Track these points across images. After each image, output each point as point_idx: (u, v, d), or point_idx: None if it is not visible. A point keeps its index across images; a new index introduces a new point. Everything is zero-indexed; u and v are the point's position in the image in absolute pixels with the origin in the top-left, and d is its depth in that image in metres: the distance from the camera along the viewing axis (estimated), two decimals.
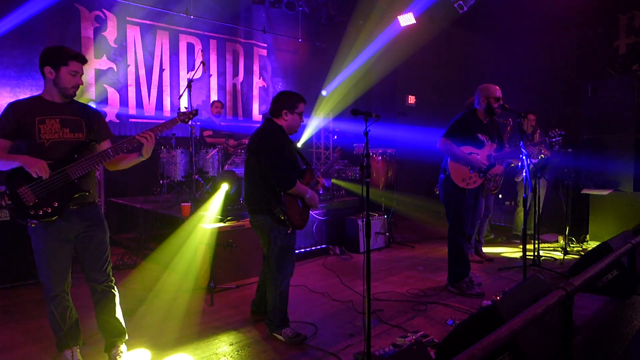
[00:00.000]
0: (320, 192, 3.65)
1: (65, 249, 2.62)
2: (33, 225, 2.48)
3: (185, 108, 3.15)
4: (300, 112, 3.25)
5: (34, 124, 2.49)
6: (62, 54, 2.55)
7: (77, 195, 2.55)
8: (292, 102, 3.21)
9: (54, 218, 2.48)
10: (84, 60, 2.61)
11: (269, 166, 3.06)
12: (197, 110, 3.00)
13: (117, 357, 2.81)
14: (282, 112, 3.20)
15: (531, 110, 5.92)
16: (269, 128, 3.20)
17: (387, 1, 8.44)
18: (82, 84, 2.65)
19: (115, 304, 2.85)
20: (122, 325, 2.88)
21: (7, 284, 4.24)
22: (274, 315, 3.20)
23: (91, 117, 2.70)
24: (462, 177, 4.11)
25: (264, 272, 3.44)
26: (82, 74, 2.62)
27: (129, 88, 7.11)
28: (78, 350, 2.77)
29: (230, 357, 2.96)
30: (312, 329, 3.36)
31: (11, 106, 2.52)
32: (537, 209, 5.07)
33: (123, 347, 2.87)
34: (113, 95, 6.94)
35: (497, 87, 4.10)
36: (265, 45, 8.88)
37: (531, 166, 5.16)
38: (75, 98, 2.69)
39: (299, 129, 3.38)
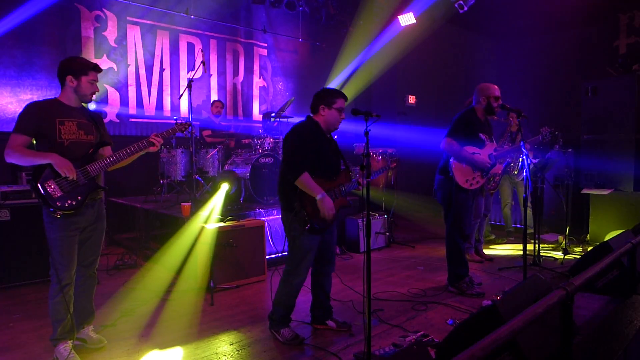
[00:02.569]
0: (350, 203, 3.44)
1: (77, 239, 2.85)
2: (59, 216, 2.71)
3: (175, 119, 3.52)
4: (338, 108, 3.17)
5: (54, 124, 2.75)
6: (82, 64, 2.83)
7: (97, 190, 2.87)
8: (330, 98, 3.16)
9: (75, 210, 2.74)
10: (99, 70, 2.92)
11: (285, 155, 3.07)
12: (189, 123, 3.36)
13: (91, 332, 3.08)
14: (319, 107, 3.18)
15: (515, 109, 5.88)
16: (301, 123, 3.20)
17: (387, 1, 8.44)
18: (99, 90, 2.96)
19: (94, 289, 3.12)
20: (94, 309, 3.15)
21: (7, 284, 4.24)
22: (276, 309, 3.21)
23: (98, 122, 3.01)
24: (466, 178, 4.10)
25: (314, 275, 3.42)
26: (98, 81, 2.93)
27: (129, 88, 7.11)
28: (71, 344, 2.85)
29: (230, 356, 2.96)
30: (312, 329, 3.36)
31: (34, 106, 2.76)
32: (525, 208, 5.08)
33: (91, 327, 3.13)
34: (113, 94, 6.95)
35: (496, 87, 4.12)
36: (266, 45, 8.88)
37: (531, 166, 5.17)
38: None
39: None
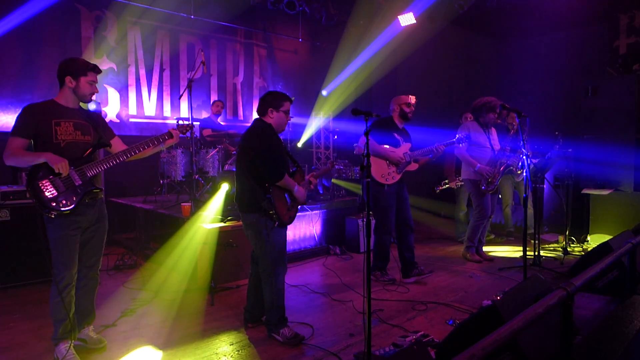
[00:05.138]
0: (321, 192, 3.62)
1: (78, 239, 2.85)
2: (52, 216, 2.69)
3: (176, 119, 3.54)
4: (285, 110, 3.29)
5: (51, 125, 2.75)
6: (81, 65, 2.83)
7: (93, 191, 2.83)
8: (277, 101, 3.27)
9: (69, 210, 2.72)
10: (99, 71, 2.91)
11: (260, 159, 3.10)
12: (191, 125, 3.39)
13: (91, 333, 3.07)
14: (268, 110, 3.26)
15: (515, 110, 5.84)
16: (259, 126, 3.26)
17: (387, 1, 8.44)
18: (98, 92, 2.95)
19: (96, 290, 3.12)
20: (94, 310, 3.14)
21: (7, 284, 4.24)
22: (272, 314, 3.20)
23: (96, 122, 3.01)
24: (382, 173, 4.42)
25: (253, 276, 3.43)
26: (97, 82, 2.93)
27: (129, 88, 7.11)
28: (72, 344, 2.85)
29: (231, 357, 2.96)
30: (311, 329, 3.36)
31: (29, 108, 2.76)
32: (525, 208, 5.06)
33: (91, 327, 3.12)
34: (113, 95, 6.95)
35: (406, 96, 4.55)
36: (265, 45, 8.88)
37: (532, 166, 5.17)
38: None
39: (297, 129, 3.44)
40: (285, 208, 3.22)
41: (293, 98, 3.41)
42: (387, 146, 4.49)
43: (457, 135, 4.71)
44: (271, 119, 3.27)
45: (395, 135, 4.55)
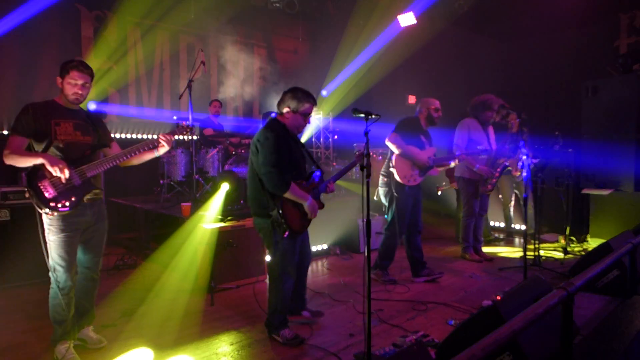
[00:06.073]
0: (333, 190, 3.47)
1: (77, 239, 2.83)
2: (51, 217, 2.70)
3: (176, 119, 3.45)
4: (304, 113, 3.11)
5: (50, 125, 2.73)
6: (66, 64, 2.77)
7: (92, 191, 2.84)
8: (297, 102, 3.09)
9: (68, 211, 2.71)
10: (84, 70, 2.78)
11: (262, 168, 2.98)
12: (193, 127, 3.35)
13: (91, 333, 3.07)
14: (284, 110, 3.13)
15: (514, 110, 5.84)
16: (270, 127, 3.10)
17: (387, 1, 8.44)
18: (82, 92, 2.80)
19: (96, 290, 3.13)
20: (94, 310, 3.15)
21: (7, 284, 4.24)
22: (274, 318, 3.18)
23: (96, 123, 2.99)
24: (404, 175, 4.39)
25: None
26: (85, 82, 2.79)
27: (129, 88, 7.12)
28: (71, 344, 2.85)
29: (231, 357, 2.96)
30: (311, 330, 3.36)
31: (30, 107, 2.74)
32: (525, 208, 5.06)
33: (91, 327, 3.12)
34: (113, 95, 6.95)
35: (436, 100, 4.53)
36: (265, 45, 8.88)
37: (532, 166, 5.17)
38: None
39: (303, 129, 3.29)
40: (297, 217, 3.08)
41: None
42: (414, 148, 4.40)
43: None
44: (286, 119, 3.12)
45: (422, 137, 4.47)
